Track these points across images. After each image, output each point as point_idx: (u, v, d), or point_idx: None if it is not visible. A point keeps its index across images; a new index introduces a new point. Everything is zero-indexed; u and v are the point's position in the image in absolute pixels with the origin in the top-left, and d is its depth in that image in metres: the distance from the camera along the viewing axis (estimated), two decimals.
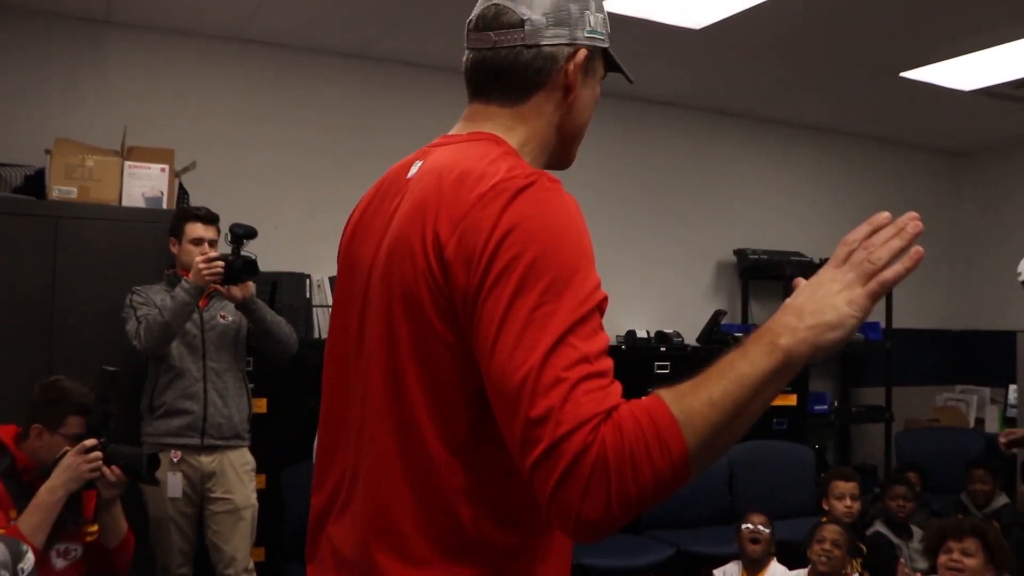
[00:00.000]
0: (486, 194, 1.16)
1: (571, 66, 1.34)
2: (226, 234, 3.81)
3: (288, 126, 5.32)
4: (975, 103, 6.21)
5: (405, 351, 1.21)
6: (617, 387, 1.07)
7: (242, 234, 3.77)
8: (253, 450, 3.92)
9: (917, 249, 1.11)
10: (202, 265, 3.61)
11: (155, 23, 4.94)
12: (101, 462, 2.82)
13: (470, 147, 1.30)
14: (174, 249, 3.87)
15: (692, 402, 1.04)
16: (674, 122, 6.58)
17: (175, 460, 3.68)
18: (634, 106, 6.24)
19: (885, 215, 1.15)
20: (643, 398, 1.06)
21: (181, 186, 4.47)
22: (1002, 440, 4.44)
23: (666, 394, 1.06)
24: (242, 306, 3.78)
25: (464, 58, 1.39)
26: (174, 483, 3.68)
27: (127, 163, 4.20)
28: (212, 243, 3.85)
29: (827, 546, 3.81)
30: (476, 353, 1.13)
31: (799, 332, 1.09)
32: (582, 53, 1.35)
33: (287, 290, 4.73)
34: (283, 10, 4.77)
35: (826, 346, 1.09)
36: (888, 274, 1.11)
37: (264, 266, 3.88)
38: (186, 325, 3.70)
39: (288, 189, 5.27)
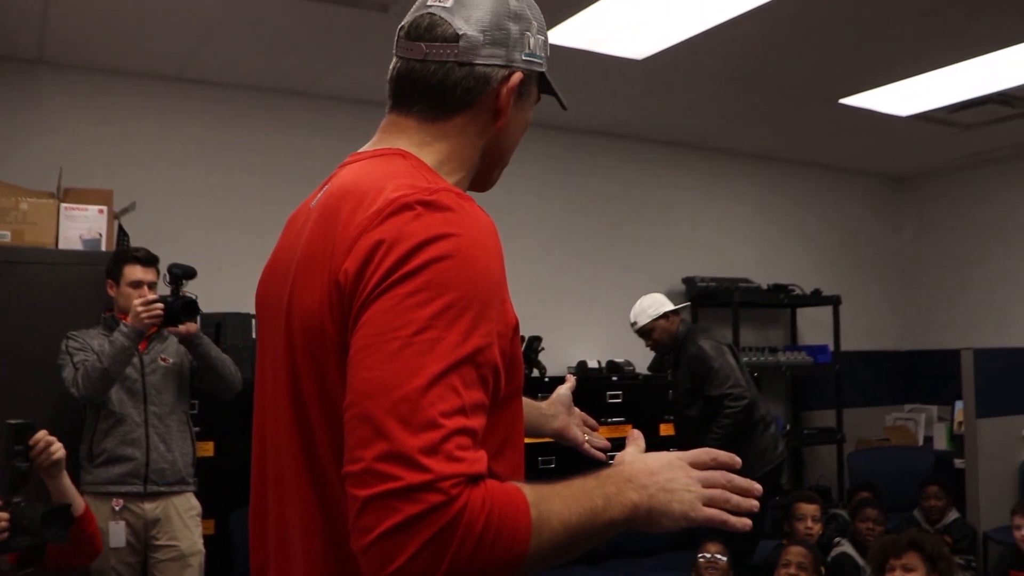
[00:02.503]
0: (384, 209, 1.08)
1: (504, 89, 1.27)
2: (165, 275, 3.73)
3: (230, 166, 5.25)
4: (913, 128, 6.32)
5: (310, 394, 1.14)
6: (484, 454, 1.00)
7: (180, 275, 3.69)
8: (200, 494, 3.82)
9: (745, 521, 1.16)
10: (140, 308, 3.52)
11: (91, 62, 4.86)
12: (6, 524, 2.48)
13: (375, 163, 1.24)
14: (112, 292, 3.76)
15: (548, 513, 1.02)
16: (620, 152, 6.61)
17: (117, 508, 3.56)
18: (578, 137, 6.24)
19: (738, 462, 1.21)
20: (506, 483, 1.03)
21: (121, 228, 4.37)
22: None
23: (529, 492, 1.02)
24: (186, 341, 3.69)
25: (391, 65, 1.32)
26: (116, 532, 3.54)
27: (63, 205, 4.08)
28: (151, 285, 3.74)
29: (793, 569, 3.79)
30: (347, 360, 1.04)
31: (649, 498, 1.13)
32: (517, 76, 1.27)
33: (232, 331, 4.63)
34: (223, 49, 4.73)
35: (654, 525, 1.13)
36: (722, 516, 1.15)
37: (208, 307, 3.80)
38: (126, 370, 3.60)
39: (231, 228, 5.19)
